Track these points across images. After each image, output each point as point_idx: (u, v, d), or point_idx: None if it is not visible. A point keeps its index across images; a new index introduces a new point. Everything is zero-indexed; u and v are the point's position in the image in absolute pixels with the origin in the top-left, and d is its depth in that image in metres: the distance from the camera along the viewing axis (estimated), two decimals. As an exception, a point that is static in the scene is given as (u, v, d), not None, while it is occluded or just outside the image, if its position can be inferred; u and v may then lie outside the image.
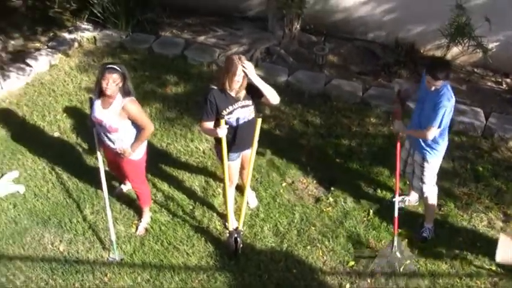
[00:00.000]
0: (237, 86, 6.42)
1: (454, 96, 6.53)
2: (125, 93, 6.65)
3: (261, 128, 6.86)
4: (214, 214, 7.76)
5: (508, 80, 9.99)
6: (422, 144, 6.82)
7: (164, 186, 8.12)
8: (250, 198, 7.81)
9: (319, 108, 9.36)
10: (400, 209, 7.42)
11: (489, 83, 9.99)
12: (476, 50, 9.26)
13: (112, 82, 6.47)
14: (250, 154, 6.93)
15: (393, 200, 7.34)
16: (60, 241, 7.49)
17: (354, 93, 9.61)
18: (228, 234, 7.22)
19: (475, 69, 10.18)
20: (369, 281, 7.00)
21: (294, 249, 7.34)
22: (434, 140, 6.74)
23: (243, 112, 6.63)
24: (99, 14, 10.91)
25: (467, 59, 10.07)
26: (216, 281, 7.02)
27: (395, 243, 7.10)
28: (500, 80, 10.02)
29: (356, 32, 10.73)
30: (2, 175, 8.25)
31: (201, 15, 11.48)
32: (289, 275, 7.08)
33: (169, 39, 10.97)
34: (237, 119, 6.65)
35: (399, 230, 7.23)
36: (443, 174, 7.52)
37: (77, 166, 8.44)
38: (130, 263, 7.23)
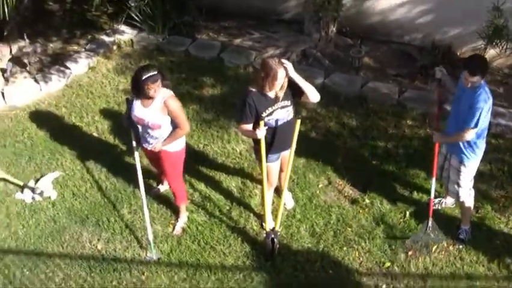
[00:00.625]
0: (278, 88, 6.43)
1: (491, 98, 6.48)
2: (164, 91, 6.73)
3: (298, 130, 6.88)
4: (251, 214, 7.79)
5: (546, 83, 9.88)
6: (461, 147, 6.73)
7: (201, 186, 8.16)
8: (287, 199, 7.82)
9: (355, 111, 9.34)
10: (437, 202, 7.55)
11: (526, 86, 9.88)
12: (513, 52, 9.20)
13: (157, 87, 6.56)
14: (288, 155, 6.94)
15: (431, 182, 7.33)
16: (98, 240, 7.58)
17: (390, 96, 9.58)
18: (264, 235, 7.23)
19: (513, 72, 10.08)
20: (405, 282, 6.98)
21: (330, 250, 7.34)
22: (472, 143, 6.68)
23: (282, 113, 6.63)
24: (136, 17, 10.99)
25: (504, 62, 9.98)
26: (252, 281, 7.04)
27: (429, 223, 7.15)
28: (538, 82, 9.90)
29: (392, 34, 10.68)
30: (42, 175, 8.36)
31: (237, 18, 11.50)
32: (325, 275, 7.09)
33: (205, 42, 11.02)
34: (276, 120, 6.65)
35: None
36: (479, 177, 7.50)
37: (115, 166, 8.52)
38: (167, 262, 7.28)
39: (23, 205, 8.06)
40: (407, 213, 7.70)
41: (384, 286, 6.96)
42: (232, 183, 8.23)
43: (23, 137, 9.08)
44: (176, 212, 7.75)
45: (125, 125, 7.23)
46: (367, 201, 7.90)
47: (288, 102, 6.63)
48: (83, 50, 10.89)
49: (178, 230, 7.62)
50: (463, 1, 9.56)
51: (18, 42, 10.68)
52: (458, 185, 7.03)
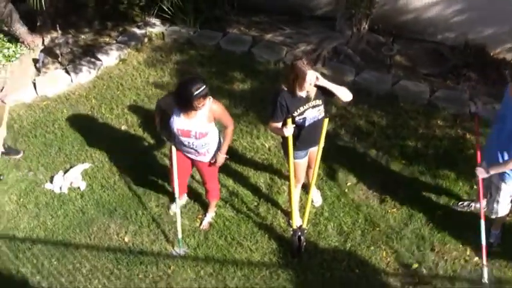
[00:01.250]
0: (308, 88, 6.40)
1: None
2: None
3: (328, 127, 6.84)
4: (279, 211, 7.77)
5: None
6: (500, 161, 6.52)
7: (229, 182, 8.15)
8: (315, 196, 7.80)
9: (385, 109, 9.27)
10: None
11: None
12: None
13: (207, 100, 6.45)
14: (316, 152, 6.91)
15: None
16: (126, 232, 7.61)
17: (421, 95, 9.50)
18: (291, 232, 7.21)
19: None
20: (433, 284, 6.93)
21: (357, 249, 7.31)
22: None
23: (313, 112, 6.59)
24: (167, 10, 10.99)
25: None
26: (278, 278, 7.03)
27: (485, 273, 6.83)
28: None
29: (424, 33, 10.59)
30: (71, 167, 8.41)
31: (268, 14, 11.48)
32: (351, 274, 7.06)
33: (236, 36, 11.00)
34: (307, 119, 6.63)
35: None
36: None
37: (143, 159, 8.55)
38: (193, 257, 7.30)
39: (52, 195, 8.12)
40: (436, 214, 7.63)
41: (410, 287, 6.91)
42: (260, 179, 8.21)
43: (54, 127, 9.14)
44: (204, 206, 7.76)
45: (165, 138, 7.23)
46: (396, 201, 7.84)
47: (319, 102, 6.58)
48: (115, 42, 10.94)
49: (205, 224, 7.63)
50: (497, 1, 9.43)
51: (50, 33, 10.75)
52: (497, 203, 6.90)
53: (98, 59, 10.40)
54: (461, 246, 7.30)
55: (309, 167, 7.23)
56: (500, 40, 9.83)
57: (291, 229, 7.25)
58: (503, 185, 6.71)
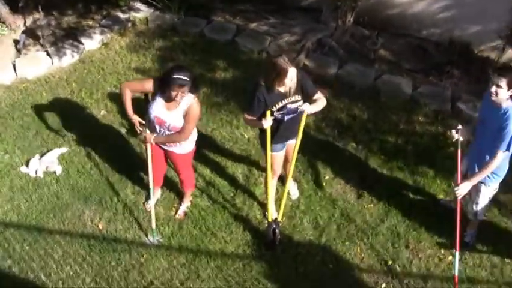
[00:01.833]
0: (288, 85, 6.37)
1: None
2: (191, 91, 6.45)
3: (307, 120, 6.80)
4: (255, 203, 7.73)
5: None
6: None
7: (207, 171, 8.10)
8: (292, 189, 7.77)
9: (367, 103, 9.23)
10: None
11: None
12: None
13: (181, 93, 6.31)
14: (294, 145, 6.87)
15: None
16: (100, 218, 7.55)
17: (403, 90, 9.47)
18: (267, 225, 7.17)
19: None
20: (406, 282, 6.92)
21: (332, 243, 7.28)
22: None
23: (292, 107, 6.56)
24: (153, -4, 10.92)
25: (523, 64, 9.83)
26: (251, 270, 7.00)
27: None
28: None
29: (409, 28, 10.53)
30: (48, 151, 8.33)
31: (254, 2, 11.40)
32: (325, 269, 7.03)
33: (220, 24, 10.91)
34: (286, 114, 6.59)
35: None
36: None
37: (122, 145, 8.50)
38: (167, 246, 7.26)
39: (27, 179, 8.03)
40: (412, 211, 7.60)
41: (384, 285, 6.89)
42: (238, 169, 8.16)
43: (32, 110, 9.03)
44: (180, 195, 7.71)
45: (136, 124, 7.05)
46: (373, 196, 7.82)
47: (298, 97, 6.55)
48: (98, 25, 10.83)
49: (180, 214, 7.58)
50: (484, -1, 9.42)
51: (32, 14, 10.66)
52: (477, 204, 6.89)
53: (81, 43, 10.29)
54: (436, 244, 7.29)
55: (286, 160, 7.19)
56: (486, 38, 9.78)
57: (267, 221, 7.21)
58: (483, 188, 6.70)
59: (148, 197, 7.59)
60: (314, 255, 7.16)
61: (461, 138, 6.63)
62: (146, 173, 7.27)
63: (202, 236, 7.34)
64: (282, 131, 6.72)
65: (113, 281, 6.93)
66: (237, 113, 8.89)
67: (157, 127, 6.70)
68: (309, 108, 6.54)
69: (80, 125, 8.77)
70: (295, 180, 7.89)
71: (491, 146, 6.27)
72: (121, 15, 11.04)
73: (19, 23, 10.30)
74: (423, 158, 8.31)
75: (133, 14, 11.05)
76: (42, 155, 8.26)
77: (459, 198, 6.60)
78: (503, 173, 6.63)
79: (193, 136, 6.97)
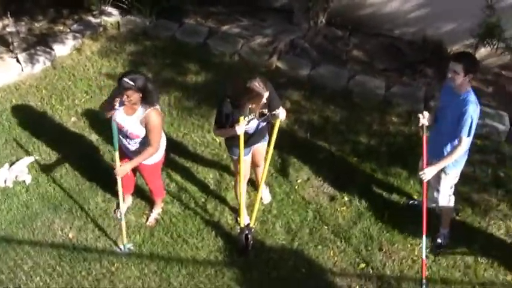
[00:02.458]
0: (259, 108, 6.41)
1: (479, 104, 6.25)
2: (147, 103, 6.38)
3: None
4: (226, 208, 7.67)
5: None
6: (444, 154, 6.49)
7: (178, 177, 8.03)
8: (264, 193, 7.71)
9: (340, 104, 9.20)
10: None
11: (517, 87, 9.73)
12: (505, 52, 9.06)
13: (127, 97, 6.25)
14: (261, 148, 6.88)
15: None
16: (70, 228, 7.45)
17: (376, 91, 9.45)
18: (239, 230, 7.12)
19: (503, 72, 9.91)
20: (379, 284, 6.88)
21: (304, 248, 7.24)
22: None
23: (258, 121, 6.59)
24: (124, -1, 10.84)
25: (495, 61, 9.82)
26: (223, 277, 6.94)
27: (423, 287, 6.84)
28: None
29: (382, 27, 10.51)
30: (18, 159, 8.22)
31: (226, 4, 11.34)
32: (298, 274, 6.99)
33: (192, 27, 10.84)
34: (252, 128, 6.61)
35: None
36: (462, 178, 7.28)
37: (92, 153, 8.40)
38: (138, 254, 7.18)
39: (-5, 189, 7.94)
40: (386, 213, 7.56)
41: (357, 287, 6.86)
42: (209, 174, 8.10)
43: (1, 118, 8.94)
44: (151, 202, 7.63)
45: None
46: (346, 199, 7.79)
47: (265, 111, 6.56)
48: (69, 30, 10.72)
49: (151, 221, 7.50)
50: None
51: (2, 19, 10.51)
52: (438, 191, 6.89)
53: (51, 48, 10.19)
54: (409, 246, 7.26)
55: (256, 164, 7.13)
56: (458, 37, 9.77)
57: (239, 227, 7.16)
58: (442, 175, 6.72)
59: (118, 205, 7.48)
60: (287, 259, 7.11)
61: (426, 123, 6.65)
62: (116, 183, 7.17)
63: (174, 243, 7.27)
64: (248, 140, 6.71)
65: (83, 291, 6.87)
66: (209, 116, 8.80)
67: (120, 132, 6.66)
68: (283, 115, 6.53)
69: (50, 133, 8.67)
70: (267, 184, 7.83)
71: (450, 132, 6.34)
72: (93, 20, 10.96)
73: (-13, 30, 10.20)
74: (397, 159, 8.29)
75: (105, 18, 10.97)
76: (11, 164, 8.14)
77: (425, 181, 6.61)
78: (463, 160, 6.68)
79: (161, 147, 6.88)
